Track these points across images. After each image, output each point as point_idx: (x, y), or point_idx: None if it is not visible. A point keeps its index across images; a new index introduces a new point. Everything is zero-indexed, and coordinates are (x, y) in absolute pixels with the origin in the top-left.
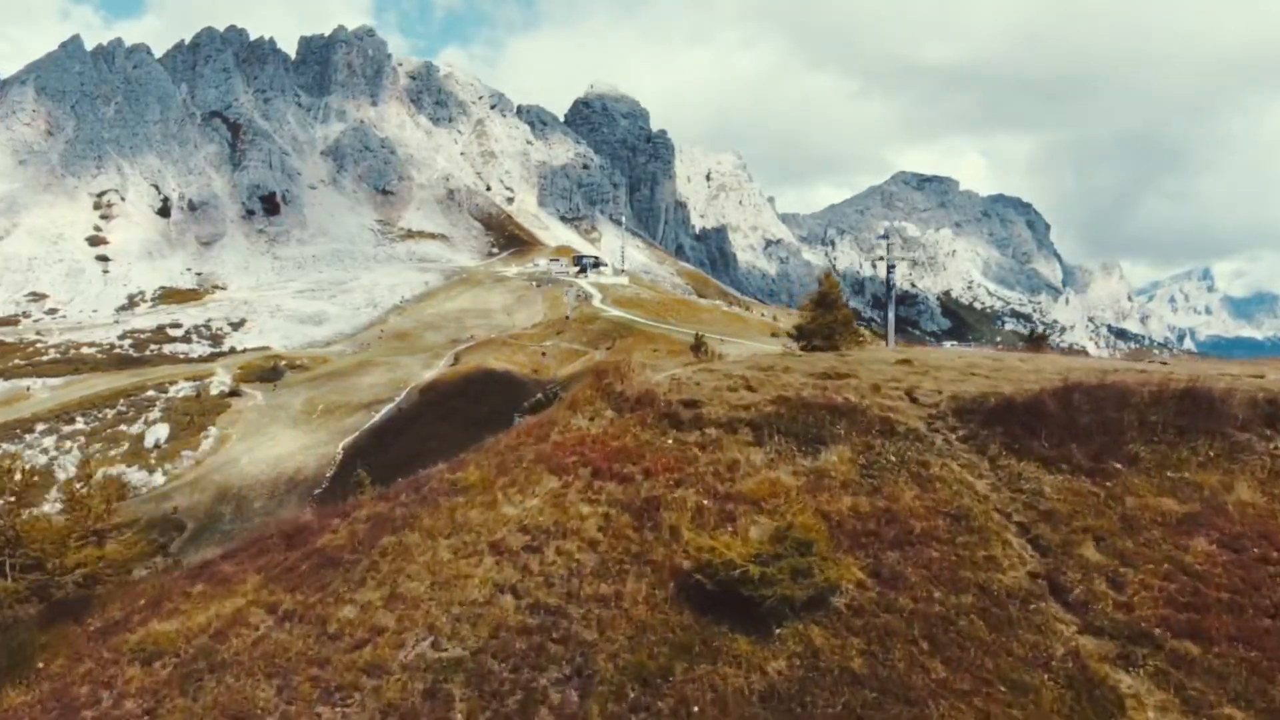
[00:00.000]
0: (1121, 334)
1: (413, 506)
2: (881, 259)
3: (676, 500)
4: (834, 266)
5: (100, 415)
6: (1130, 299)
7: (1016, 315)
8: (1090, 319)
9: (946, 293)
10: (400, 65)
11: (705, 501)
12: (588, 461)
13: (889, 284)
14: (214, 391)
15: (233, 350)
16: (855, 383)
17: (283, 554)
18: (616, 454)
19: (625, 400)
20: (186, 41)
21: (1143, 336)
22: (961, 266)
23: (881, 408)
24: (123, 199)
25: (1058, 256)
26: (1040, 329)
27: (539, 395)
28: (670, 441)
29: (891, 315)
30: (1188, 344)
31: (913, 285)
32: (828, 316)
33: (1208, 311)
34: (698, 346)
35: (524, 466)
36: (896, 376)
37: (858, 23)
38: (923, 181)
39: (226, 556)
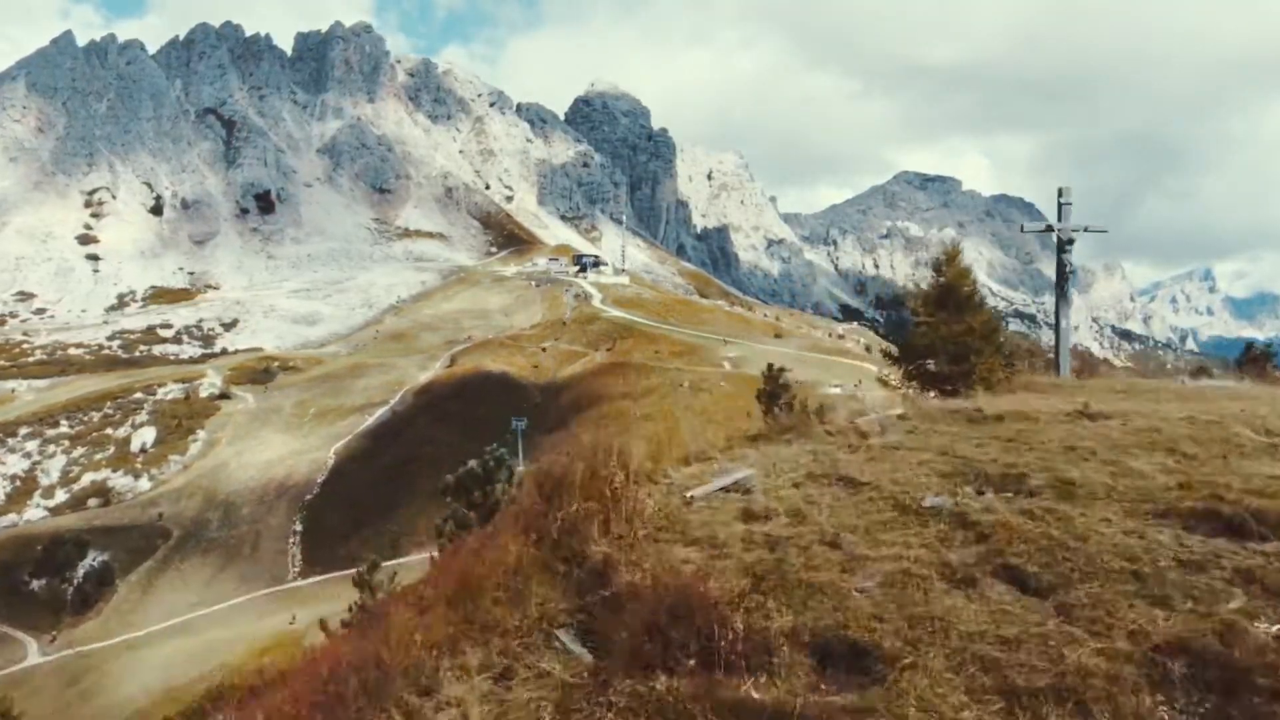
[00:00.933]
0: (1125, 335)
1: None
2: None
3: None
4: (836, 267)
5: (86, 418)
6: (1133, 299)
7: (1021, 316)
8: (1094, 319)
9: None
10: (398, 62)
11: None
12: None
13: (1061, 270)
14: (204, 394)
15: (224, 351)
16: None
17: None
18: None
19: (621, 620)
20: (181, 37)
21: (1145, 337)
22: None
23: None
24: (114, 197)
25: None
26: (1043, 328)
27: (472, 464)
28: None
29: (1067, 324)
30: (1190, 345)
31: (916, 285)
32: (956, 325)
33: (1209, 312)
34: (774, 393)
35: None
36: None
37: (858, 22)
38: (925, 181)
39: None
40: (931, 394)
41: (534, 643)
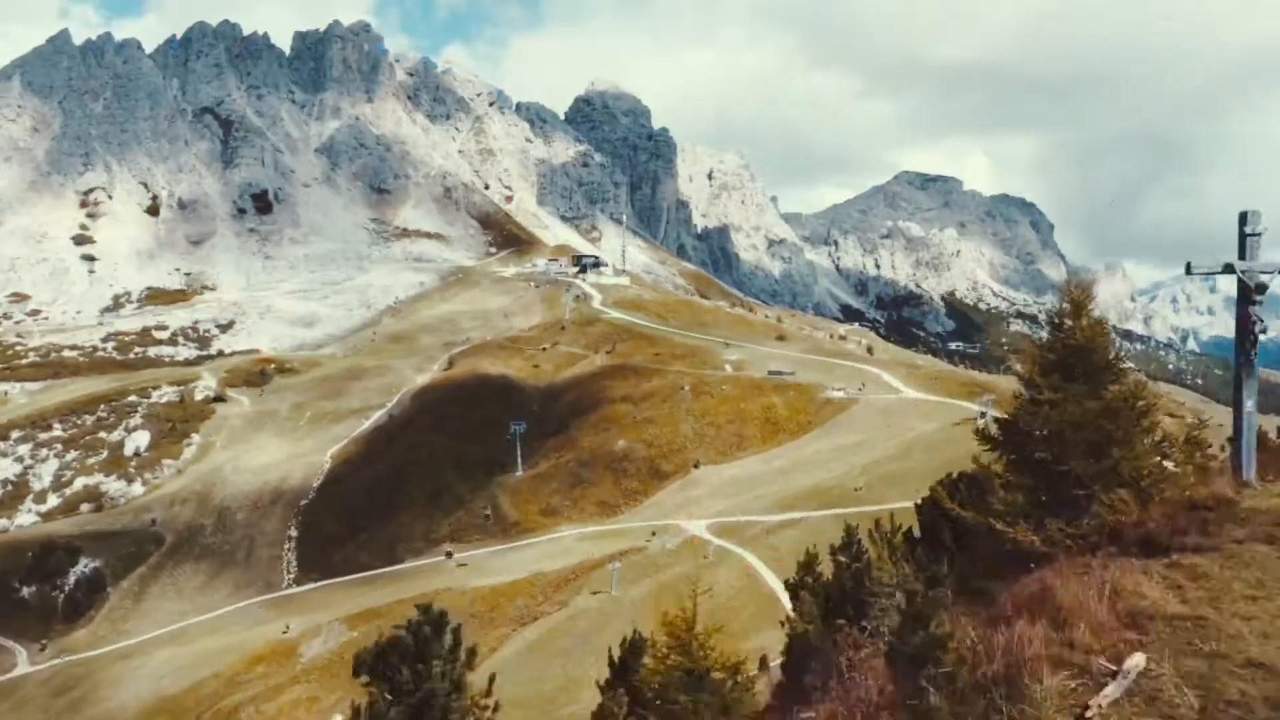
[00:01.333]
0: (1126, 335)
1: None
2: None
3: None
4: (837, 267)
5: (79, 421)
6: (1134, 299)
7: (1022, 316)
8: None
9: (951, 293)
10: (397, 61)
11: None
12: None
13: (1247, 328)
14: (198, 396)
15: (220, 353)
16: None
17: None
18: None
19: None
20: (178, 36)
21: (1147, 337)
22: (966, 267)
23: None
24: (110, 197)
25: (1062, 257)
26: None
27: (399, 630)
28: None
29: (1253, 405)
30: (1190, 345)
31: (917, 286)
32: (1090, 402)
33: (1210, 312)
34: (920, 652)
35: None
36: None
37: (864, 21)
38: (926, 181)
39: None
40: (1030, 480)
41: None
